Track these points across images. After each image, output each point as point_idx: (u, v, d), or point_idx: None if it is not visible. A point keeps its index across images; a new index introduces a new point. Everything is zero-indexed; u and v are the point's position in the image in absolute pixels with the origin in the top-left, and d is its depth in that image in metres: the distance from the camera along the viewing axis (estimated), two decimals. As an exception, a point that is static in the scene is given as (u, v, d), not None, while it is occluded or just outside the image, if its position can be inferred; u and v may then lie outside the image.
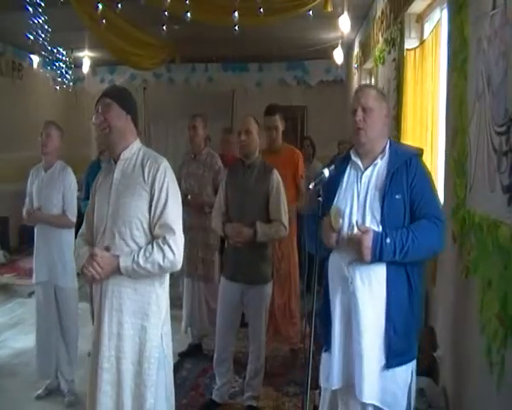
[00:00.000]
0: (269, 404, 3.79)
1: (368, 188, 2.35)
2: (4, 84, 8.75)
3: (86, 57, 9.18)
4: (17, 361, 4.47)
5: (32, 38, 6.07)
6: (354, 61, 8.39)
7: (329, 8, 5.15)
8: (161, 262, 2.29)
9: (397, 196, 2.29)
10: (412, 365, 2.36)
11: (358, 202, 2.35)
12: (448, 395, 2.99)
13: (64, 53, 8.18)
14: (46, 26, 5.95)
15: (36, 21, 5.82)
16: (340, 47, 7.08)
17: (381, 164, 2.39)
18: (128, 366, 2.31)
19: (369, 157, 2.41)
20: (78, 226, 4.37)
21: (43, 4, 5.57)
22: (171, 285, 2.51)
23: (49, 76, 8.98)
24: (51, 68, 8.45)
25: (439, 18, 3.54)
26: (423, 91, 3.78)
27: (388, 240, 2.22)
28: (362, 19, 7.07)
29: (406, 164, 2.34)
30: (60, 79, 8.46)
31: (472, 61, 2.65)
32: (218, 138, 6.13)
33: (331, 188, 2.39)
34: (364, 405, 2.31)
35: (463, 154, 2.75)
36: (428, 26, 4.16)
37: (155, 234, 2.33)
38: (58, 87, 8.66)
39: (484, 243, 2.41)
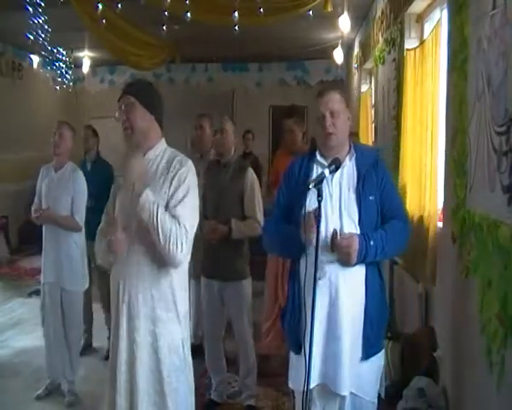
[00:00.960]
0: (269, 404, 3.80)
1: (340, 190, 2.39)
2: (4, 84, 8.76)
3: (86, 57, 9.18)
4: (17, 361, 4.47)
5: (32, 38, 6.08)
6: (354, 61, 8.39)
7: (329, 8, 5.15)
8: (172, 238, 2.15)
9: (370, 198, 2.38)
10: (383, 351, 2.50)
11: (332, 203, 2.38)
12: (448, 395, 2.99)
13: (64, 53, 8.18)
14: (46, 26, 5.95)
15: (36, 21, 5.82)
16: (340, 47, 7.09)
17: (349, 165, 2.44)
18: (145, 372, 2.26)
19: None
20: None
21: (43, 4, 5.57)
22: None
23: (49, 76, 8.98)
24: (51, 68, 8.46)
25: (439, 18, 3.54)
26: (423, 91, 3.77)
27: (372, 242, 2.31)
28: (362, 19, 7.07)
29: (373, 165, 2.44)
30: (60, 79, 8.46)
31: (472, 61, 2.65)
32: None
33: (298, 187, 2.42)
34: (342, 396, 2.38)
35: (463, 154, 2.75)
36: (428, 26, 4.16)
37: None
38: (58, 87, 8.66)
39: (484, 243, 2.41)
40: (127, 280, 2.29)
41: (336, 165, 2.36)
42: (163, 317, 2.27)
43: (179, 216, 2.20)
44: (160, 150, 2.36)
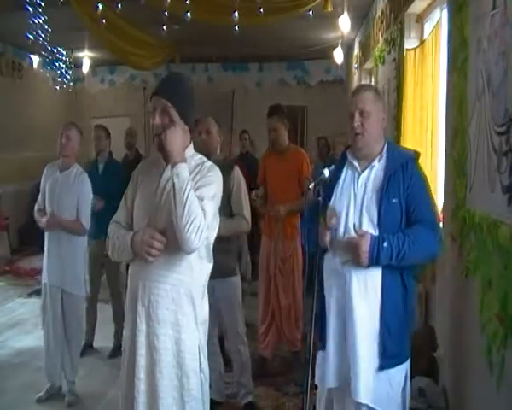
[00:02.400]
0: (269, 404, 3.80)
1: (365, 190, 2.35)
2: (4, 84, 8.76)
3: (86, 57, 9.19)
4: (17, 361, 4.47)
5: (32, 38, 6.08)
6: (354, 61, 8.39)
7: (329, 8, 5.16)
8: (196, 220, 2.05)
9: (393, 200, 2.29)
10: (406, 366, 2.38)
11: (355, 203, 2.35)
12: (448, 395, 2.99)
13: (64, 53, 8.18)
14: (46, 26, 5.95)
15: (36, 21, 5.82)
16: (340, 47, 7.09)
17: (378, 166, 2.38)
18: (164, 380, 2.18)
19: (367, 159, 2.41)
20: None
21: (43, 4, 5.57)
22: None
23: (49, 76, 8.98)
24: (51, 68, 8.46)
25: (439, 18, 3.54)
26: (423, 91, 3.78)
27: (385, 244, 2.22)
28: (362, 19, 7.08)
29: (403, 167, 2.34)
30: (60, 79, 8.46)
31: (472, 61, 2.65)
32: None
33: (328, 188, 2.39)
34: (359, 405, 2.32)
35: (463, 154, 2.75)
36: (428, 26, 4.16)
37: None
38: (58, 87, 8.66)
39: (484, 243, 2.41)
40: (147, 282, 2.21)
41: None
42: (183, 322, 2.21)
43: (204, 211, 2.12)
44: (188, 156, 2.25)
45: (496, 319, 2.22)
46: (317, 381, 2.49)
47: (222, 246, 3.49)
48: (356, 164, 2.41)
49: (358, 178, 2.37)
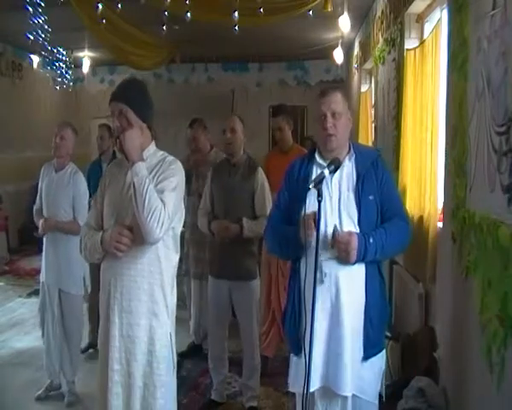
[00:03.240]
0: (269, 404, 3.80)
1: (340, 190, 2.38)
2: (4, 84, 8.76)
3: (86, 57, 9.18)
4: (17, 361, 4.47)
5: (32, 38, 6.08)
6: (354, 61, 8.39)
7: (329, 8, 5.15)
8: (156, 212, 2.18)
9: (370, 197, 2.37)
10: (384, 351, 2.49)
11: (331, 204, 2.37)
12: (448, 395, 2.99)
13: (64, 53, 8.19)
14: (46, 26, 5.95)
15: (36, 21, 5.82)
16: (340, 47, 7.09)
17: (348, 166, 2.43)
18: (138, 367, 2.30)
19: None
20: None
21: (43, 4, 5.57)
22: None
23: (49, 76, 8.99)
24: (51, 68, 8.46)
25: (439, 18, 3.54)
26: (423, 91, 3.78)
27: (371, 240, 2.30)
28: (362, 19, 7.07)
29: (373, 165, 2.43)
30: (60, 79, 8.47)
31: (472, 61, 2.65)
32: (217, 138, 6.15)
33: (297, 187, 2.42)
34: (344, 397, 2.37)
35: (463, 154, 2.75)
36: (428, 26, 4.16)
37: None
38: (58, 87, 8.67)
39: (484, 243, 2.41)
40: (118, 277, 2.32)
41: (336, 165, 2.35)
42: (155, 310, 2.33)
43: (164, 202, 2.24)
44: (150, 153, 2.40)
45: (496, 319, 2.23)
46: (292, 388, 2.50)
47: (244, 248, 3.49)
48: (325, 165, 2.41)
49: (331, 179, 2.38)
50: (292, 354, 2.50)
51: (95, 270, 4.63)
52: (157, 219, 2.19)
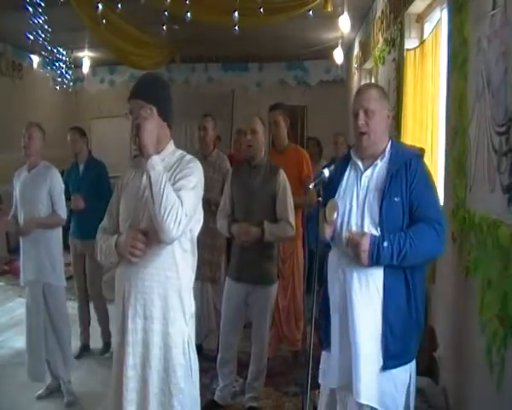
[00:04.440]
0: (269, 404, 3.79)
1: (367, 189, 2.34)
2: (4, 84, 8.76)
3: (86, 57, 9.18)
4: (17, 361, 4.46)
5: (32, 38, 6.07)
6: (354, 61, 8.39)
7: (329, 8, 5.15)
8: (173, 211, 2.07)
9: (396, 199, 2.26)
10: (411, 366, 2.34)
11: (357, 202, 2.34)
12: (448, 395, 2.99)
13: (64, 53, 8.18)
14: (46, 26, 5.95)
15: (36, 21, 5.82)
16: (340, 47, 7.08)
17: (381, 165, 2.36)
18: (153, 373, 2.21)
19: (370, 158, 2.39)
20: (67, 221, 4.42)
21: (43, 4, 5.57)
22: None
23: (49, 76, 8.98)
24: (51, 68, 8.45)
25: (439, 18, 3.54)
26: (423, 91, 3.78)
27: (385, 244, 2.20)
28: (362, 19, 7.08)
29: (406, 165, 2.31)
30: (60, 79, 8.46)
31: (472, 61, 2.65)
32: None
33: (331, 187, 2.39)
34: (361, 405, 2.30)
35: (463, 154, 2.75)
36: (428, 26, 4.16)
37: None
38: (58, 87, 8.66)
39: (484, 243, 2.41)
40: (133, 282, 2.23)
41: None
42: (170, 316, 2.23)
43: (182, 201, 2.13)
44: (168, 152, 2.31)
45: (496, 319, 2.23)
46: (320, 379, 2.49)
47: (265, 252, 3.43)
48: (359, 163, 2.40)
49: (361, 177, 2.36)
50: (322, 349, 2.49)
51: (79, 269, 4.72)
52: (174, 216, 2.07)
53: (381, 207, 2.27)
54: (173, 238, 2.14)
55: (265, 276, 3.46)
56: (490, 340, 2.30)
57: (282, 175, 3.47)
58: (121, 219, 2.33)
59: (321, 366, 2.48)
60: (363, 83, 7.50)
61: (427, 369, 3.22)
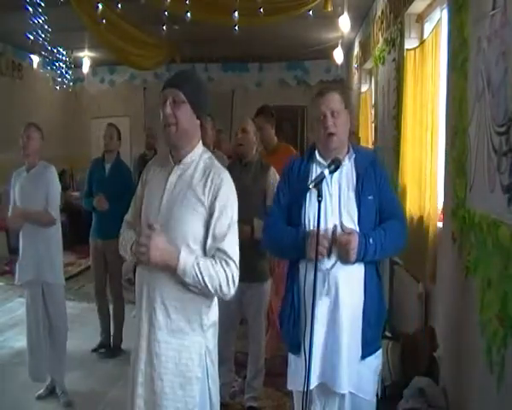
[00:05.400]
0: (269, 404, 3.80)
1: (340, 189, 2.39)
2: (4, 84, 8.76)
3: (86, 57, 9.18)
4: (18, 361, 4.47)
5: (32, 38, 6.07)
6: (354, 61, 8.39)
7: (329, 8, 5.15)
8: (223, 284, 2.02)
9: (369, 197, 2.38)
10: (380, 351, 2.51)
11: (332, 203, 2.38)
12: (448, 395, 2.99)
13: (64, 53, 8.18)
14: (46, 26, 5.94)
15: (36, 21, 5.82)
16: (340, 47, 7.08)
17: (347, 165, 2.43)
18: (165, 388, 2.11)
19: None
20: (75, 222, 4.42)
21: (43, 4, 5.57)
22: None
23: (49, 76, 8.97)
24: (51, 68, 8.45)
25: (439, 18, 3.54)
26: (423, 91, 3.77)
27: (371, 240, 2.31)
28: (362, 19, 7.07)
29: (372, 165, 2.44)
30: (60, 79, 8.45)
31: (472, 61, 2.65)
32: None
33: (299, 187, 2.42)
34: (342, 395, 2.38)
35: (463, 154, 2.75)
36: (428, 26, 4.16)
37: (213, 256, 2.06)
38: (58, 87, 8.65)
39: (484, 242, 2.41)
40: (151, 287, 2.13)
41: (336, 165, 2.35)
42: (187, 329, 2.12)
43: (227, 250, 2.05)
44: (197, 155, 2.19)
45: (496, 319, 2.23)
46: (290, 386, 2.50)
47: (256, 249, 3.45)
48: (325, 164, 2.41)
49: (331, 177, 2.39)
50: (290, 353, 2.50)
51: (99, 269, 4.70)
52: (226, 285, 2.03)
53: (359, 206, 2.36)
54: (232, 294, 2.10)
55: (258, 273, 3.49)
56: (490, 340, 2.30)
57: (273, 172, 3.53)
58: (142, 213, 2.23)
59: (290, 372, 2.48)
60: (363, 83, 7.51)
61: (427, 369, 3.22)
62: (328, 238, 2.31)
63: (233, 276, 2.05)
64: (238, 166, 3.61)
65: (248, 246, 3.37)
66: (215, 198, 2.07)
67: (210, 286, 2.02)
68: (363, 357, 2.37)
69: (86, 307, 5.84)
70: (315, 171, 2.44)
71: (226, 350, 3.62)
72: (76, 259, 8.09)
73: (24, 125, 3.94)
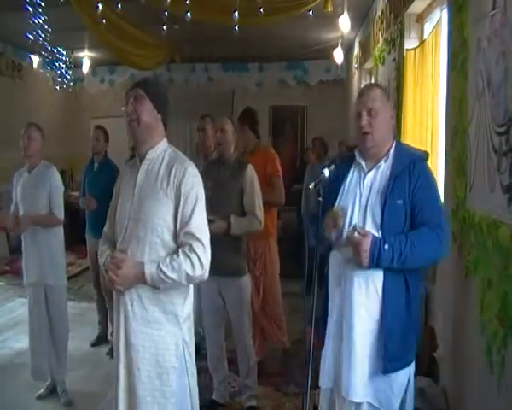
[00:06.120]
0: (269, 404, 3.80)
1: (370, 190, 2.33)
2: (4, 84, 8.75)
3: (86, 57, 9.18)
4: (18, 361, 4.47)
5: (32, 38, 6.07)
6: (354, 61, 8.39)
7: (329, 8, 5.15)
8: (189, 272, 2.16)
9: (398, 201, 2.25)
10: (410, 370, 2.34)
11: (360, 203, 2.33)
12: (448, 395, 2.99)
13: (64, 53, 8.17)
14: (46, 26, 5.94)
15: (36, 21, 5.81)
16: (340, 47, 7.08)
17: (384, 166, 2.35)
18: (142, 377, 2.21)
19: (374, 159, 2.38)
20: (76, 222, 4.45)
21: (43, 4, 5.56)
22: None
23: (49, 76, 8.97)
24: (51, 68, 8.44)
25: (439, 18, 3.54)
26: (423, 91, 3.78)
27: (386, 246, 2.19)
28: (362, 19, 7.07)
29: (410, 168, 2.29)
30: (60, 79, 8.45)
31: (472, 61, 2.65)
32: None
33: (333, 188, 2.39)
34: (358, 404, 2.31)
35: (463, 154, 2.75)
36: (428, 26, 4.16)
37: (181, 242, 2.21)
38: (58, 87, 8.65)
39: (484, 243, 2.41)
40: (133, 284, 2.23)
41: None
42: (162, 319, 2.23)
43: (194, 232, 2.19)
44: (162, 150, 2.32)
45: (496, 319, 2.23)
46: (319, 381, 2.48)
47: (232, 245, 3.50)
48: (363, 163, 2.39)
49: (364, 178, 2.36)
50: (322, 350, 2.48)
51: (96, 267, 4.70)
52: (192, 270, 2.18)
53: (383, 210, 2.25)
54: (205, 277, 2.26)
55: (234, 268, 3.51)
56: (490, 340, 2.30)
57: (250, 170, 3.57)
58: (117, 216, 2.35)
59: (321, 367, 2.47)
60: (363, 83, 7.50)
61: (427, 369, 3.22)
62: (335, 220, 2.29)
63: (199, 258, 2.19)
64: (217, 164, 3.68)
65: (224, 242, 3.41)
66: (179, 187, 2.21)
67: (178, 279, 2.17)
68: (385, 372, 2.26)
69: (86, 307, 5.84)
70: (352, 172, 2.41)
71: (215, 347, 3.66)
72: (75, 259, 8.10)
73: (24, 125, 3.93)
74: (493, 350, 2.26)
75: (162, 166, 2.27)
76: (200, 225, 2.22)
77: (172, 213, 2.21)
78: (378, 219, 2.27)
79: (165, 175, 2.24)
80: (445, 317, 3.12)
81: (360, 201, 2.33)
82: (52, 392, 3.92)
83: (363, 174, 2.38)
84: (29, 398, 3.85)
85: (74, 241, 7.84)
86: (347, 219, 2.34)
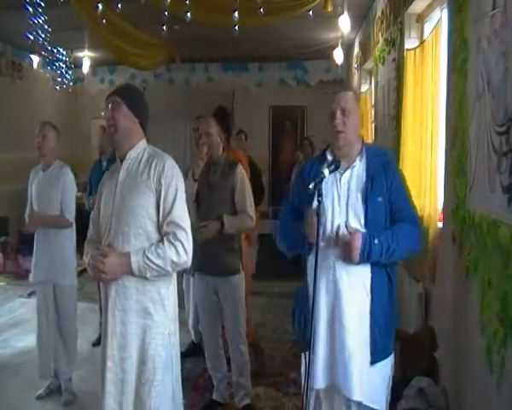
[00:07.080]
0: (269, 404, 3.80)
1: (348, 190, 2.38)
2: (4, 84, 8.75)
3: (86, 57, 9.17)
4: (18, 361, 4.48)
5: (32, 38, 6.07)
6: (354, 61, 8.39)
7: (329, 8, 5.15)
8: (174, 259, 2.27)
9: (379, 199, 2.35)
10: (391, 357, 2.45)
11: (339, 203, 2.38)
12: (448, 395, 2.99)
13: (64, 53, 8.17)
14: (46, 26, 5.94)
15: (36, 21, 5.81)
16: (340, 47, 7.08)
17: (359, 166, 2.42)
18: (132, 365, 2.30)
19: (347, 159, 2.44)
20: (81, 223, 4.45)
21: (43, 4, 5.56)
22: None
23: (49, 76, 8.97)
24: (51, 68, 8.45)
25: (439, 18, 3.54)
26: (423, 91, 3.78)
27: (376, 241, 2.28)
28: (362, 19, 7.07)
29: (384, 167, 2.40)
30: (60, 79, 8.45)
31: (472, 61, 2.65)
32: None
33: (307, 187, 2.38)
34: (348, 401, 2.36)
35: (463, 154, 2.75)
36: (428, 26, 4.16)
37: (164, 231, 2.31)
38: (58, 87, 8.65)
39: (484, 243, 2.41)
40: (121, 275, 2.32)
41: (336, 165, 2.36)
42: (150, 309, 2.32)
43: (176, 220, 2.30)
44: (141, 149, 2.43)
45: (496, 319, 2.23)
46: (311, 383, 2.49)
47: (225, 244, 3.53)
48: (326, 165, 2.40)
49: (340, 178, 2.40)
50: (301, 353, 2.47)
51: None
52: (177, 257, 2.27)
53: (366, 208, 2.34)
54: (188, 263, 2.35)
55: (228, 267, 3.55)
56: (490, 340, 2.30)
57: (240, 169, 3.62)
58: (101, 220, 2.43)
59: (300, 369, 2.48)
60: (363, 83, 7.51)
61: (427, 369, 3.22)
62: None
63: (183, 245, 2.29)
64: (207, 164, 3.75)
65: (218, 241, 3.48)
66: (159, 179, 2.32)
67: (164, 266, 2.27)
68: (373, 363, 2.34)
69: (87, 307, 5.83)
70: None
71: (214, 347, 3.67)
72: (78, 259, 8.08)
73: (38, 124, 3.93)
74: (493, 350, 2.26)
75: (142, 161, 2.39)
76: (181, 214, 2.33)
77: (154, 205, 2.32)
78: (362, 218, 2.34)
79: (146, 169, 2.35)
80: (445, 317, 3.12)
81: (339, 201, 2.38)
82: (52, 392, 3.93)
83: (338, 175, 2.41)
84: (29, 398, 3.85)
85: (78, 241, 7.84)
86: (329, 220, 2.35)
